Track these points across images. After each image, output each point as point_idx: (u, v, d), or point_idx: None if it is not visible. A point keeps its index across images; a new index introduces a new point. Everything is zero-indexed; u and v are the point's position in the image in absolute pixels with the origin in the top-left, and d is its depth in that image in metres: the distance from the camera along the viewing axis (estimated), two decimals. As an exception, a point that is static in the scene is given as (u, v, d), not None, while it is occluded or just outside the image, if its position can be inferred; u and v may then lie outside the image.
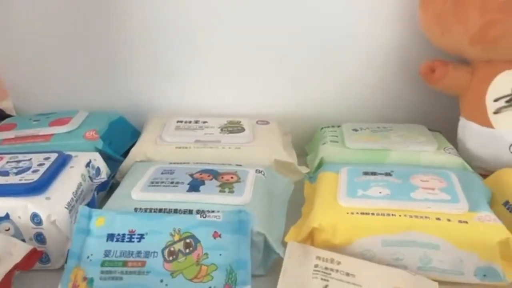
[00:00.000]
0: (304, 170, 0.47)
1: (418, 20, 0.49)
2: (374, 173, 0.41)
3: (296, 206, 0.41)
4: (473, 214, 0.35)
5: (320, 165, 0.47)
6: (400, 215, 0.35)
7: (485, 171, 0.46)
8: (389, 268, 0.34)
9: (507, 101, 0.44)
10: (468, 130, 0.48)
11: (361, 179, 0.40)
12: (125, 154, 0.47)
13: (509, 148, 0.45)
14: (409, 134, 0.49)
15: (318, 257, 0.34)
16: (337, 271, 0.33)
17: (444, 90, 0.50)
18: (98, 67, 0.54)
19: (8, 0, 0.50)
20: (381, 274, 0.33)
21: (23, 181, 0.36)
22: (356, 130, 0.51)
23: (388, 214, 0.35)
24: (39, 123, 0.48)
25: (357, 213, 0.36)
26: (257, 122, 0.53)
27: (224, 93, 0.57)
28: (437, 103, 0.55)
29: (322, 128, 0.54)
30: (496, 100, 0.45)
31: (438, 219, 0.34)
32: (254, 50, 0.54)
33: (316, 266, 0.33)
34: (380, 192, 0.38)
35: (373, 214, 0.35)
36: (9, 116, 0.52)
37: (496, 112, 0.45)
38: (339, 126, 0.53)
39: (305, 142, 0.56)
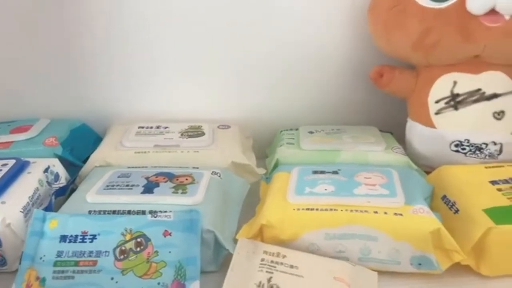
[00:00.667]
0: (261, 171, 0.49)
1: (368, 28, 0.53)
2: (322, 172, 0.43)
3: (253, 206, 0.43)
4: (408, 207, 0.37)
5: (276, 166, 0.49)
6: (342, 210, 0.37)
7: (430, 169, 0.49)
8: (331, 260, 0.36)
9: (446, 103, 0.48)
10: (414, 130, 0.51)
11: (310, 178, 0.42)
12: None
13: (450, 146, 0.48)
14: (361, 135, 0.52)
15: (265, 252, 0.36)
16: (282, 264, 0.35)
17: (392, 93, 0.53)
18: (60, 76, 0.55)
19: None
20: (323, 265, 0.35)
21: (-21, 187, 0.37)
22: (311, 132, 0.54)
23: (331, 209, 0.37)
24: (-1, 130, 0.49)
25: (303, 209, 0.38)
26: (218, 127, 0.55)
27: (187, 99, 0.58)
28: (390, 106, 0.58)
29: (281, 131, 0.56)
30: (437, 102, 0.48)
31: (376, 212, 0.37)
32: (217, 57, 0.56)
33: (262, 260, 0.35)
34: (325, 189, 0.40)
35: (317, 209, 0.38)
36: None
37: (437, 113, 0.48)
38: (297, 129, 0.56)
39: (266, 146, 0.58)
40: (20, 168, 0.41)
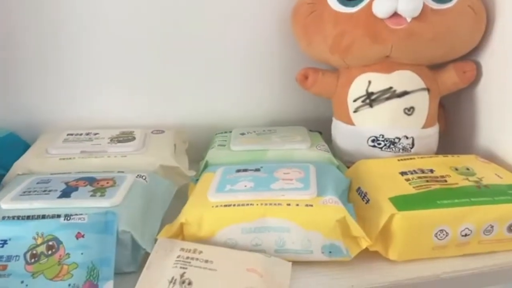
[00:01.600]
0: (190, 173, 0.50)
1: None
2: (245, 170, 0.45)
3: (180, 208, 0.44)
4: (319, 199, 0.39)
5: (205, 167, 0.50)
6: (257, 204, 0.39)
7: (352, 164, 0.52)
8: (246, 252, 0.37)
9: (362, 101, 0.51)
10: (337, 128, 0.54)
11: (232, 176, 0.44)
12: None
13: (367, 142, 0.51)
14: (289, 135, 0.54)
15: (182, 249, 0.37)
16: (197, 259, 0.36)
17: (317, 94, 0.56)
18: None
19: None
20: (237, 258, 0.36)
21: None
22: (243, 134, 0.55)
23: (247, 204, 0.39)
24: None
25: (221, 205, 0.39)
26: (152, 132, 0.56)
27: (121, 105, 0.59)
28: (319, 106, 0.61)
29: (216, 134, 0.58)
30: (354, 101, 0.51)
31: (288, 204, 0.39)
32: (153, 63, 0.57)
33: (178, 256, 0.36)
34: (245, 186, 0.41)
35: (234, 205, 0.39)
36: None
37: (355, 111, 0.51)
38: (230, 132, 0.57)
39: (204, 150, 0.59)
40: None
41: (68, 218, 0.35)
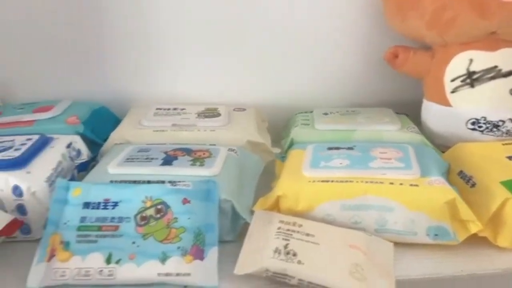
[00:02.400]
0: (276, 150, 0.50)
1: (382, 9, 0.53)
2: (337, 148, 0.44)
3: (268, 183, 0.44)
4: (424, 179, 0.37)
5: (290, 145, 0.49)
6: (357, 182, 0.38)
7: (445, 148, 0.49)
8: (347, 229, 0.36)
9: (462, 81, 0.47)
10: (429, 110, 0.51)
11: (325, 153, 0.43)
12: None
13: (466, 124, 0.48)
14: (375, 116, 0.52)
15: (281, 221, 0.36)
16: (298, 232, 0.35)
17: (408, 74, 0.53)
18: (82, 60, 0.56)
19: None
20: (338, 234, 0.36)
21: (5, 158, 0.38)
22: (326, 114, 0.54)
23: (346, 181, 0.38)
24: (23, 110, 0.50)
25: (318, 181, 0.38)
26: (234, 109, 0.56)
27: (204, 83, 0.59)
28: (404, 88, 0.58)
29: (296, 114, 0.57)
30: (453, 80, 0.48)
31: (391, 183, 0.37)
32: (233, 42, 0.57)
33: (278, 228, 0.35)
34: (340, 163, 0.40)
35: (332, 181, 0.38)
36: (-6, 106, 0.54)
37: (453, 91, 0.48)
38: (311, 112, 0.56)
39: (281, 129, 0.59)
40: (43, 142, 0.42)
41: (174, 184, 0.36)
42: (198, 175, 0.38)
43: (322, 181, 0.38)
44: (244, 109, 0.57)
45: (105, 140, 0.50)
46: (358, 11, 0.56)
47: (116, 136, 0.48)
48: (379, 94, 0.60)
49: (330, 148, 0.44)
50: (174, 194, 0.35)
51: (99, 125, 0.52)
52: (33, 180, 0.37)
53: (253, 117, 0.54)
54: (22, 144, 0.41)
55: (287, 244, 0.34)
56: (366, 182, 0.37)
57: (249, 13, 0.56)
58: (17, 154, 0.39)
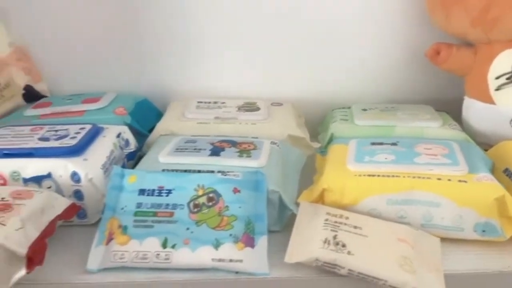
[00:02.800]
0: (316, 145, 0.50)
1: (425, 5, 0.52)
2: (381, 143, 0.44)
3: (308, 178, 0.45)
4: (472, 175, 0.38)
5: (330, 140, 0.50)
6: (403, 176, 0.38)
7: (488, 146, 0.48)
8: (393, 223, 0.37)
9: (507, 78, 0.47)
10: (471, 107, 0.51)
11: (368, 148, 0.43)
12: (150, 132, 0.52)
13: (510, 123, 0.47)
14: (415, 113, 0.52)
15: (328, 213, 0.37)
16: (345, 224, 0.36)
17: (450, 71, 0.53)
18: (125, 55, 0.58)
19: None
20: (386, 227, 0.36)
21: (63, 145, 0.40)
22: (365, 109, 0.54)
23: (393, 176, 0.38)
24: (72, 101, 0.52)
25: (364, 175, 0.39)
26: (271, 104, 0.57)
27: (241, 78, 0.60)
28: (443, 85, 0.58)
29: (333, 110, 0.57)
30: (497, 78, 0.48)
31: (439, 179, 0.37)
32: (269, 38, 0.58)
33: (326, 220, 0.36)
34: (385, 158, 0.41)
35: (379, 176, 0.38)
36: (43, 96, 0.56)
37: (497, 89, 0.48)
38: (349, 107, 0.56)
39: (317, 125, 0.59)
40: (96, 132, 0.44)
41: (225, 174, 0.37)
42: (246, 166, 0.40)
43: (368, 175, 0.39)
44: (281, 104, 0.58)
45: (149, 131, 0.52)
46: (399, 7, 0.56)
47: (161, 127, 0.50)
48: (417, 91, 0.60)
49: (373, 144, 0.44)
50: (225, 183, 0.37)
51: (142, 117, 0.54)
52: (90, 167, 0.39)
53: (291, 112, 0.55)
54: (77, 133, 0.42)
55: (335, 235, 0.34)
56: (413, 177, 0.38)
57: (287, 9, 0.56)
58: (73, 142, 0.40)
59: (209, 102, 0.55)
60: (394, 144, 0.44)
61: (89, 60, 0.58)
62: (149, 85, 0.60)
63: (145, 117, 0.54)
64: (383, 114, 0.52)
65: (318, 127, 0.58)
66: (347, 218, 0.37)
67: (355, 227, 0.36)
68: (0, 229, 0.31)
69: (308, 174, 0.45)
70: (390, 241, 0.35)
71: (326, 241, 0.34)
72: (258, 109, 0.54)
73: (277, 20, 0.57)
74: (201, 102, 0.55)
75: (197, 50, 0.59)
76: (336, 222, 0.36)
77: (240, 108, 0.54)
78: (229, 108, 0.53)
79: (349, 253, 0.33)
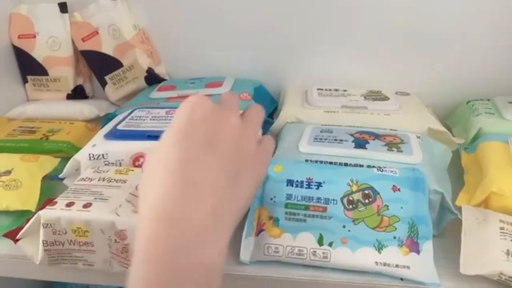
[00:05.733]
0: (459, 140, 0.45)
1: None
2: (550, 143, 0.38)
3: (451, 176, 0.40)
4: None
5: (477, 136, 0.44)
6: None
7: None
8: None
9: None
10: None
11: (537, 148, 0.37)
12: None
13: None
14: None
15: (501, 221, 0.32)
16: (527, 235, 0.31)
17: None
18: (240, 40, 0.56)
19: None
20: None
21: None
22: (511, 102, 0.48)
23: None
24: (195, 85, 0.52)
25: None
26: (396, 93, 0.52)
27: (361, 67, 0.56)
28: None
29: (468, 102, 0.51)
30: None
31: None
32: (374, 34, 0.53)
33: (502, 228, 0.31)
34: None
35: None
36: (163, 79, 0.56)
37: None
38: (488, 100, 0.50)
39: (444, 117, 0.53)
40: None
41: (381, 170, 0.34)
42: (399, 162, 0.36)
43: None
44: (408, 94, 0.53)
45: (267, 117, 0.50)
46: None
47: (287, 114, 0.47)
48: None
49: (541, 142, 0.38)
50: (382, 179, 0.33)
51: (260, 102, 0.51)
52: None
53: (420, 102, 0.50)
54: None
55: (519, 247, 0.30)
56: None
57: (413, 7, 0.51)
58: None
59: (330, 90, 0.52)
60: None
61: (202, 47, 0.57)
62: (262, 71, 0.58)
63: (262, 103, 0.52)
64: (535, 108, 0.46)
65: (445, 120, 0.53)
66: (527, 228, 0.32)
67: (539, 239, 0.31)
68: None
69: (451, 173, 0.41)
70: None
71: (508, 253, 0.29)
72: (387, 98, 0.49)
73: (401, 17, 0.52)
74: (321, 89, 0.52)
75: (313, 38, 0.55)
76: (514, 231, 0.31)
77: (366, 97, 0.49)
78: (354, 96, 0.50)
79: (541, 270, 0.28)
